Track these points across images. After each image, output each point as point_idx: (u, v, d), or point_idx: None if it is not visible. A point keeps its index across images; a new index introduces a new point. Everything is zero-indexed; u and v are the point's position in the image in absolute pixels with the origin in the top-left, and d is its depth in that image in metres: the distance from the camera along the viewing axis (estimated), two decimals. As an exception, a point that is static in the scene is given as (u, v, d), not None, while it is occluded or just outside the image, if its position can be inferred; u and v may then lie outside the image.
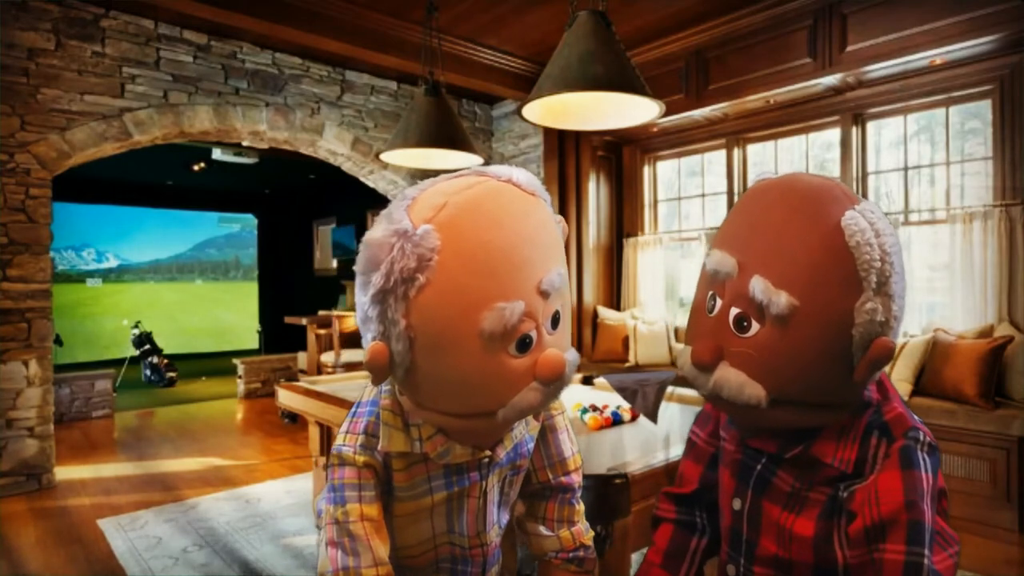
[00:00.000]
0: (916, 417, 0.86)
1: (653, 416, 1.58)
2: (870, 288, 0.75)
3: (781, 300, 0.76)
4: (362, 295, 0.79)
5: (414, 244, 0.75)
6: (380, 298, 0.76)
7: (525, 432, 1.03)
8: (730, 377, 0.81)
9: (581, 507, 1.14)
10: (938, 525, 0.79)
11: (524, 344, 0.80)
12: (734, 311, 0.82)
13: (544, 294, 0.81)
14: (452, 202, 0.78)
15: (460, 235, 0.76)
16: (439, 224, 0.76)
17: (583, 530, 1.11)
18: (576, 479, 1.12)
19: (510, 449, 0.99)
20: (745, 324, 0.81)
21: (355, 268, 0.81)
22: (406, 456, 0.93)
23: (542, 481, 1.10)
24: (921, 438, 0.81)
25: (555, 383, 0.82)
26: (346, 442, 0.94)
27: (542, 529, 1.09)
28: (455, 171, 0.87)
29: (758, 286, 0.78)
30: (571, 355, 0.86)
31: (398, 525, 0.99)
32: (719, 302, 0.85)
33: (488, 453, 0.96)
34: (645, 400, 1.56)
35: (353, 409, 0.99)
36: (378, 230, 0.79)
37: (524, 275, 0.79)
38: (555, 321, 0.85)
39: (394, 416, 0.93)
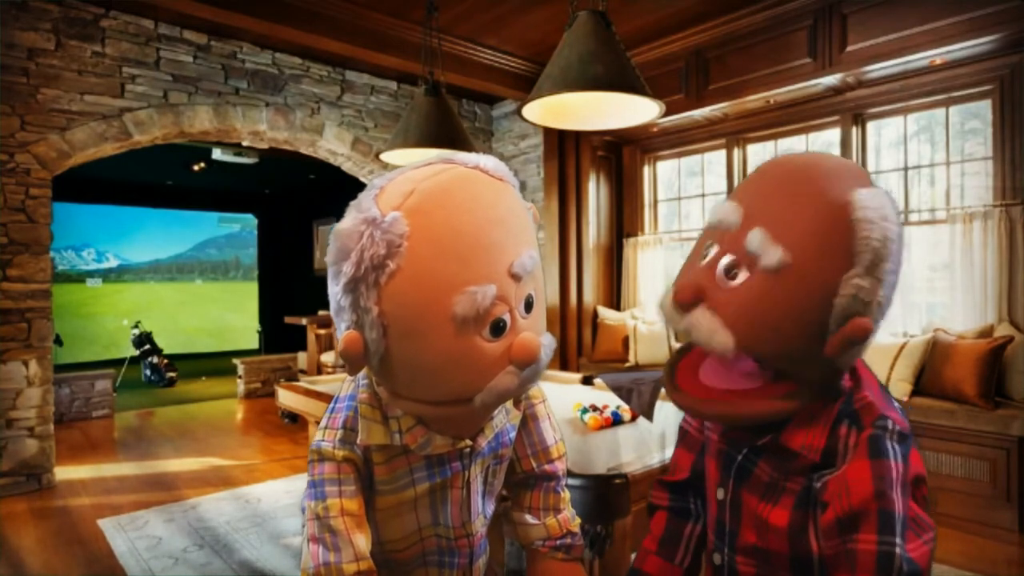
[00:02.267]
0: (896, 403, 0.86)
1: (649, 414, 1.58)
2: (862, 264, 0.76)
3: (775, 253, 0.77)
4: (334, 285, 0.79)
5: (383, 231, 0.75)
6: (352, 286, 0.77)
7: (506, 421, 1.03)
8: (703, 322, 0.81)
9: (566, 495, 1.14)
10: (913, 512, 0.79)
11: (498, 328, 0.80)
12: (727, 258, 0.83)
13: (516, 277, 0.81)
14: (420, 189, 0.78)
15: (429, 220, 0.77)
16: (407, 210, 0.76)
17: (569, 517, 1.12)
18: (560, 467, 1.13)
19: (491, 438, 1.00)
20: (734, 272, 0.81)
21: (326, 260, 0.81)
22: (386, 449, 0.94)
23: (526, 470, 1.10)
24: (890, 426, 0.81)
25: (531, 366, 0.82)
26: (325, 437, 0.94)
27: (528, 518, 1.09)
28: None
29: (756, 236, 0.78)
30: (546, 339, 0.86)
31: (382, 519, 0.99)
32: (715, 249, 0.85)
33: (469, 443, 0.96)
34: (640, 399, 1.55)
35: (331, 405, 0.99)
36: (347, 220, 0.79)
37: (495, 259, 0.79)
38: (528, 305, 0.85)
39: (372, 409, 0.93)
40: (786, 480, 0.86)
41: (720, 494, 0.95)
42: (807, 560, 0.84)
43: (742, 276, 0.80)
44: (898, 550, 0.75)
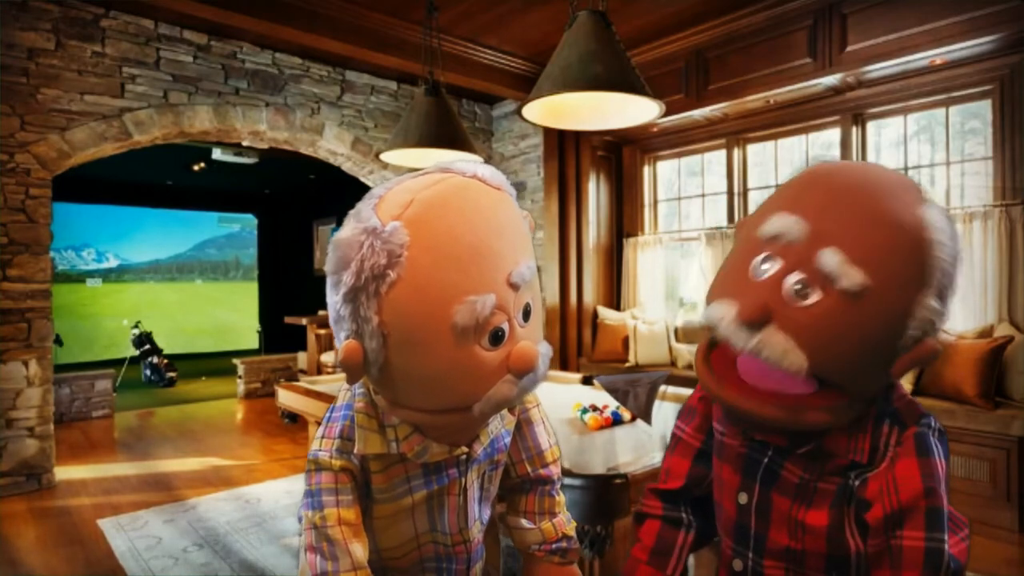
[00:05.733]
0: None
1: (647, 417, 1.57)
2: (934, 287, 0.75)
3: (856, 276, 0.74)
4: (334, 295, 0.79)
5: (383, 241, 0.75)
6: (352, 296, 0.77)
7: (501, 427, 1.03)
8: (776, 340, 0.78)
9: (561, 498, 1.15)
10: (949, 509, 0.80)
11: (497, 337, 0.80)
12: (796, 276, 0.79)
13: (514, 286, 0.81)
14: (419, 198, 0.79)
15: (429, 230, 0.77)
16: (407, 220, 0.76)
17: (565, 521, 1.12)
18: (555, 471, 1.13)
19: (487, 444, 1.00)
20: (805, 292, 0.78)
21: (326, 269, 0.81)
22: (383, 458, 0.94)
23: (521, 475, 1.11)
24: (933, 424, 0.82)
25: (529, 376, 0.83)
26: (322, 447, 0.94)
27: (524, 522, 1.10)
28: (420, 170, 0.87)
29: (833, 257, 0.76)
30: (544, 348, 0.86)
31: (379, 527, 0.99)
32: (776, 265, 0.82)
33: (465, 450, 0.96)
34: (637, 401, 1.55)
35: (328, 414, 0.99)
36: (347, 229, 0.79)
37: (494, 268, 0.79)
38: (526, 314, 0.85)
39: (368, 418, 0.93)
40: (819, 480, 0.86)
41: (743, 498, 0.94)
42: (844, 557, 0.84)
43: (815, 296, 0.78)
44: (945, 547, 0.75)
